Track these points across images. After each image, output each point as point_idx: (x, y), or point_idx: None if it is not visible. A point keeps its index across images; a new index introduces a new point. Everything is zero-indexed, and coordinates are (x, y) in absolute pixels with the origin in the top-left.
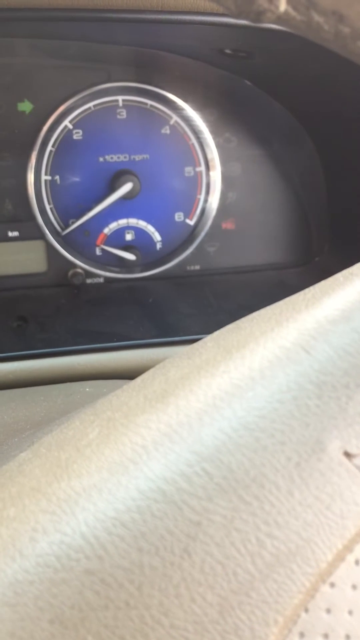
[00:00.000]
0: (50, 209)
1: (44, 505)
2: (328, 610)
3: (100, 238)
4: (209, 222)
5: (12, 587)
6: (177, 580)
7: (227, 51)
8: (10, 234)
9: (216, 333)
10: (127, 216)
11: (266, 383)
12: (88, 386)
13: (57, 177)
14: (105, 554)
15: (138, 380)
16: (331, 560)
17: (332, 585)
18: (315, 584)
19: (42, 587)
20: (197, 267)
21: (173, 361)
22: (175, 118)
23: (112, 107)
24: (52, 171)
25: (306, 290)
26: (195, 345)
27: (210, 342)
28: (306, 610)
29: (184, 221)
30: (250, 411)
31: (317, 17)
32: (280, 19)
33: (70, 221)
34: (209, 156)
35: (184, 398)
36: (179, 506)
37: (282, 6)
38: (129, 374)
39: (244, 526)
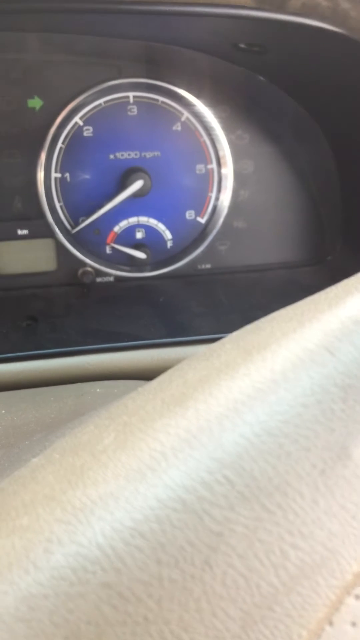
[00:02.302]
0: (60, 206)
1: (58, 515)
2: (353, 624)
3: (111, 236)
4: (221, 221)
5: (26, 601)
6: (198, 594)
7: (241, 45)
8: (19, 232)
9: (235, 334)
10: (137, 214)
11: (289, 386)
12: (99, 386)
13: (67, 175)
14: (123, 567)
15: (154, 382)
16: (357, 572)
17: (357, 597)
18: (340, 596)
19: (58, 602)
20: (208, 266)
21: (190, 363)
22: (186, 114)
23: (123, 104)
24: (62, 169)
25: (328, 290)
26: (212, 346)
27: (229, 343)
28: (331, 624)
29: (195, 219)
30: (273, 416)
31: (344, 4)
32: (306, 5)
33: (80, 219)
34: (221, 153)
35: (203, 402)
36: (199, 516)
37: None
38: (140, 374)
39: (267, 537)
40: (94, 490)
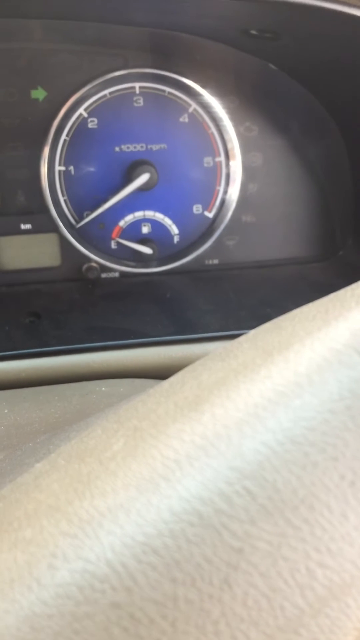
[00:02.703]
0: (64, 200)
1: (64, 527)
2: None
3: (116, 231)
4: (229, 215)
5: (28, 621)
6: (217, 616)
7: (252, 32)
8: (22, 226)
9: (252, 332)
10: (143, 208)
11: (315, 390)
12: (104, 385)
13: (71, 168)
14: (134, 585)
15: (165, 384)
16: None
17: None
18: None
19: (63, 622)
20: (216, 262)
21: (204, 364)
22: (194, 106)
23: (129, 95)
24: (66, 161)
25: (354, 286)
26: (228, 346)
27: (247, 342)
28: None
29: (202, 213)
30: (298, 422)
31: None
32: None
33: (85, 213)
34: (229, 145)
35: (220, 406)
36: (217, 530)
37: None
38: (147, 373)
39: (292, 554)
40: (102, 501)
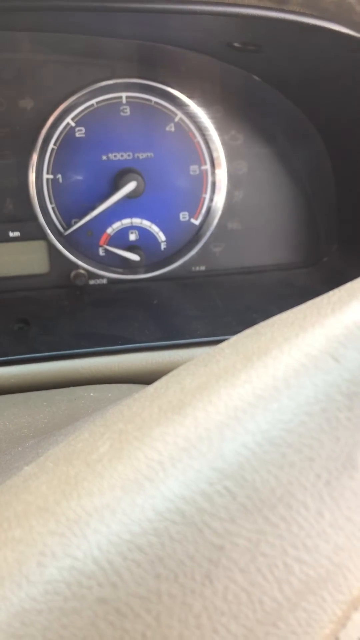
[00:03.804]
0: (52, 208)
1: (52, 527)
2: None
3: (104, 238)
4: (215, 222)
5: (18, 616)
6: (198, 610)
7: (236, 44)
8: (11, 234)
9: (233, 339)
10: (130, 216)
11: (292, 394)
12: (92, 391)
13: (59, 176)
14: (119, 581)
15: (150, 389)
16: None
17: None
18: (347, 611)
19: (51, 617)
20: (203, 268)
21: (188, 369)
22: (180, 115)
23: (116, 104)
24: (54, 170)
25: (331, 294)
26: (211, 352)
27: (228, 348)
28: None
29: (189, 221)
30: (276, 424)
31: None
32: (309, 0)
33: (73, 221)
34: (215, 154)
35: (202, 409)
36: (199, 528)
37: None
38: (134, 378)
39: (270, 550)
40: (89, 501)
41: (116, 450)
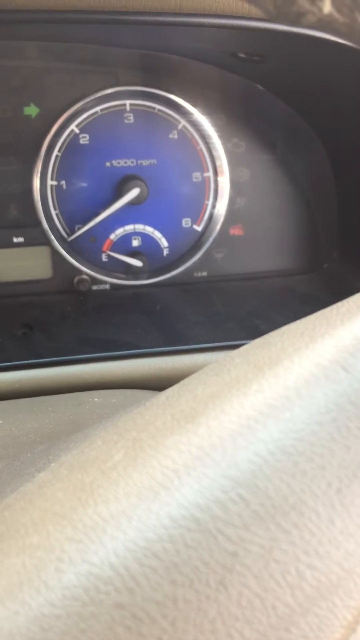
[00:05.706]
0: (56, 214)
1: (69, 533)
2: None
3: (107, 244)
4: (217, 228)
5: (37, 621)
6: (213, 615)
7: (241, 55)
8: (15, 239)
9: (244, 348)
10: (133, 222)
11: (303, 403)
12: (96, 396)
13: (63, 182)
14: (136, 587)
15: (162, 397)
16: None
17: None
18: (357, 617)
19: (70, 622)
20: (205, 274)
21: (199, 378)
22: (183, 123)
23: (120, 112)
24: (58, 176)
25: (339, 304)
26: (221, 361)
27: (239, 357)
28: None
29: (191, 227)
30: (288, 433)
31: None
32: (322, 21)
33: (77, 227)
34: (217, 162)
35: (215, 418)
36: (213, 535)
37: (327, 8)
38: (138, 384)
39: (283, 557)
40: (105, 508)
41: (131, 458)
